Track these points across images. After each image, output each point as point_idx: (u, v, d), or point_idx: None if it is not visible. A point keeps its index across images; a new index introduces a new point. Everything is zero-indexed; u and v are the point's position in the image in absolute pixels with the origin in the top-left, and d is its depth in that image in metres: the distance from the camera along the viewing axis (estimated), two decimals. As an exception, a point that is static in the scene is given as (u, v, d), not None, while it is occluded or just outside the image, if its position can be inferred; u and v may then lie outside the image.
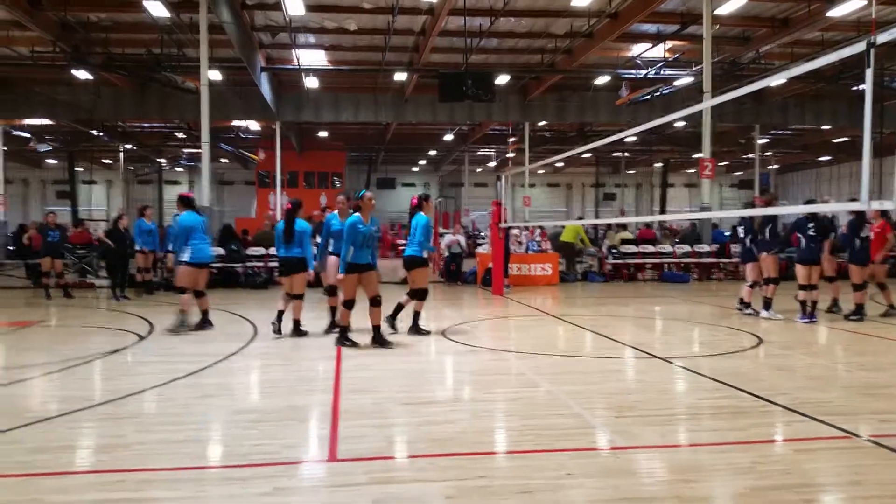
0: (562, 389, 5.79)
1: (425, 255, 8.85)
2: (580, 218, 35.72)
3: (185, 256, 8.91)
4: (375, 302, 7.85)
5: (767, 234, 10.35)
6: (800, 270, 9.99)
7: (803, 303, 9.91)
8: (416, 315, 8.81)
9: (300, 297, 8.74)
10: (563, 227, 19.57)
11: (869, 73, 5.23)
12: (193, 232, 8.92)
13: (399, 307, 8.90)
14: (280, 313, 8.70)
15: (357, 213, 7.74)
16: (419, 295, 8.79)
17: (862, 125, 5.13)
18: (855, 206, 5.65)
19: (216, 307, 12.01)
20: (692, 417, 5.06)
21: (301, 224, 8.73)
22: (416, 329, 8.70)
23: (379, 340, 7.86)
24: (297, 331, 8.72)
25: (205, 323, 9.21)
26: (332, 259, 8.54)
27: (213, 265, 16.07)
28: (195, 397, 5.61)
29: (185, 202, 9.24)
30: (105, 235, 13.99)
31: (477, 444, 4.37)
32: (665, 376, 6.49)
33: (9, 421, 4.79)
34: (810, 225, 9.93)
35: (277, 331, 8.63)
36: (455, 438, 4.46)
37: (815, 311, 10.00)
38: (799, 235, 10.05)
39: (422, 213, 8.91)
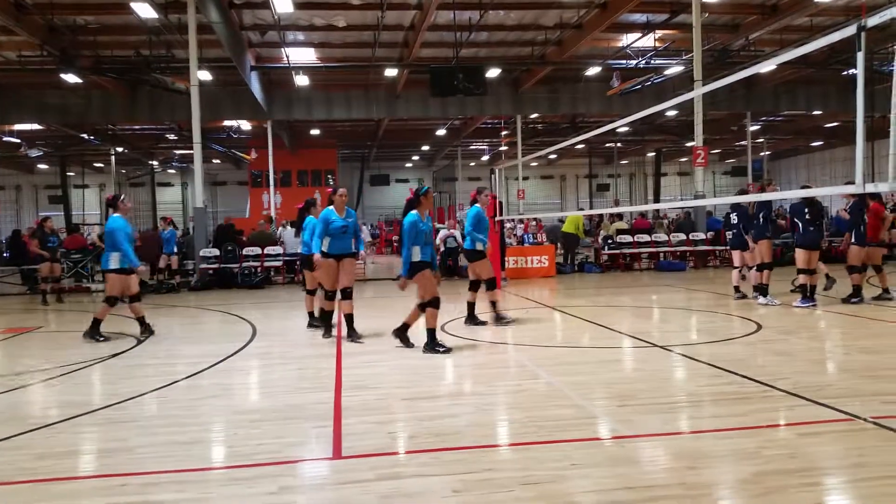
0: (562, 380, 5.80)
1: (478, 246, 8.93)
2: (580, 209, 35.73)
3: (116, 263, 8.46)
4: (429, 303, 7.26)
5: (761, 220, 10.40)
6: (800, 255, 9.99)
7: (803, 287, 9.93)
8: (472, 306, 9.01)
9: (311, 292, 9.02)
10: (563, 218, 19.56)
11: (860, 56, 5.24)
12: (122, 235, 8.45)
13: (471, 306, 9.03)
14: (310, 315, 9.12)
15: (415, 211, 7.26)
16: (489, 285, 8.92)
17: (853, 109, 5.14)
18: (850, 189, 5.66)
19: (215, 308, 12.02)
20: (694, 404, 5.08)
21: (308, 220, 8.91)
22: (472, 320, 8.95)
23: (434, 345, 7.19)
24: (312, 323, 8.98)
25: (147, 328, 8.77)
26: (328, 262, 7.92)
27: (211, 266, 16.18)
28: (196, 399, 5.61)
29: (111, 205, 8.74)
30: (98, 239, 13.95)
31: (481, 437, 4.38)
32: (665, 364, 6.51)
33: (12, 428, 4.78)
34: (806, 210, 9.96)
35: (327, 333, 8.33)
36: (459, 432, 4.46)
37: (815, 294, 10.01)
38: (796, 220, 10.09)
39: (476, 205, 9.21)
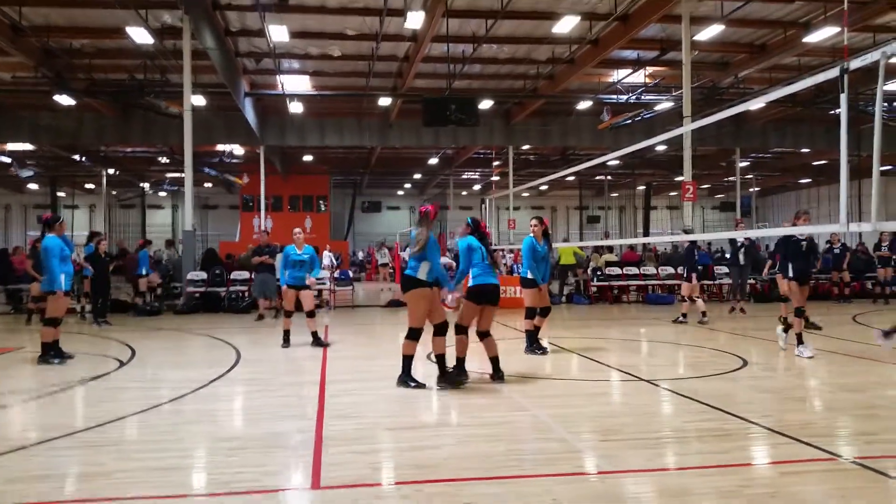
0: (548, 413, 5.77)
1: (529, 275, 9.05)
2: (565, 240, 35.81)
3: (60, 284, 8.43)
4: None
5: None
6: None
7: None
8: (534, 332, 9.16)
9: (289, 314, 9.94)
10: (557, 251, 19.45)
11: (843, 97, 5.33)
12: (55, 255, 8.43)
13: (527, 333, 9.18)
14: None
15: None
16: (528, 314, 9.11)
17: (839, 148, 5.22)
18: (834, 228, 5.74)
19: (200, 331, 11.93)
20: (678, 441, 5.06)
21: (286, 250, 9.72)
22: (530, 348, 9.11)
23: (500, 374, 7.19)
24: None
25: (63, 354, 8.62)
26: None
27: (198, 289, 16.09)
28: (177, 424, 5.54)
29: (47, 224, 8.70)
30: (84, 260, 13.86)
31: (463, 469, 4.33)
32: (651, 399, 6.49)
33: (-15, 451, 4.70)
34: None
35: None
36: (441, 464, 4.42)
37: None
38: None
39: (529, 235, 9.30)
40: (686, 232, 17.12)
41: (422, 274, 6.71)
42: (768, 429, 5.18)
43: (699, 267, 18.23)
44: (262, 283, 14.08)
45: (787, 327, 9.22)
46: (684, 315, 12.83)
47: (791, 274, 8.91)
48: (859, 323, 11.67)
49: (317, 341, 9.78)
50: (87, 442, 5.01)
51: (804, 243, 9.10)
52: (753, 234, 9.59)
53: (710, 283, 18.16)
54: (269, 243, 14.51)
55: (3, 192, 40.96)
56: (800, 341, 8.73)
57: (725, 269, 18.64)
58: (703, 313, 12.61)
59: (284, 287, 9.99)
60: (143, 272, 15.51)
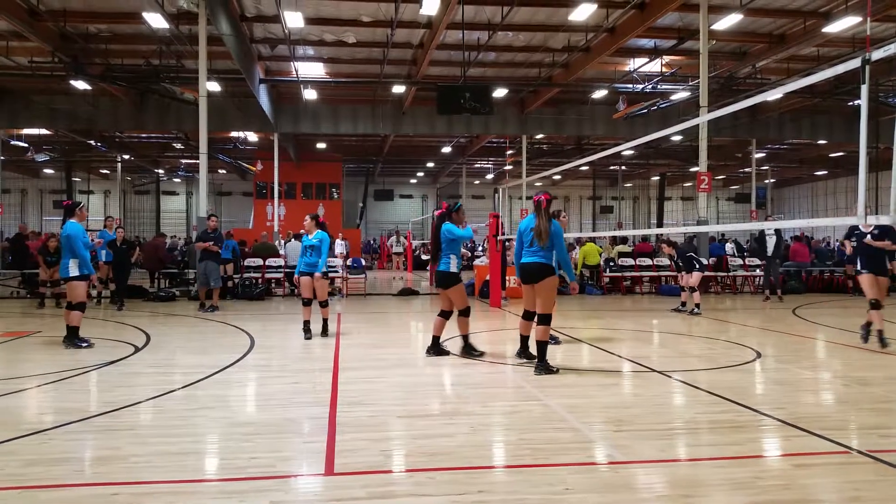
0: (559, 403, 5.77)
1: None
2: (591, 239, 35.47)
3: (76, 270, 8.54)
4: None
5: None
6: None
7: None
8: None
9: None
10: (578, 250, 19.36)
11: (864, 89, 5.26)
12: (81, 241, 8.54)
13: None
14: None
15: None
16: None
17: (858, 140, 5.16)
18: (852, 221, 5.68)
19: (214, 318, 12.00)
20: (690, 432, 5.05)
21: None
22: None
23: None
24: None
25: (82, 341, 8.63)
26: None
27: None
28: (191, 409, 5.59)
29: (68, 211, 8.78)
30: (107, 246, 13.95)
31: (475, 458, 4.35)
32: (663, 390, 6.48)
33: (4, 433, 4.76)
34: None
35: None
36: (453, 452, 4.43)
37: None
38: None
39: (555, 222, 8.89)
40: (701, 223, 17.06)
41: (554, 262, 7.13)
42: (781, 421, 5.16)
43: (713, 258, 18.30)
44: (203, 271, 13.14)
45: None
46: (683, 304, 13.13)
47: None
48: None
49: (325, 331, 9.67)
50: (103, 426, 5.07)
51: None
52: (765, 226, 9.47)
53: (725, 274, 18.07)
54: (215, 228, 13.46)
55: (19, 177, 41.27)
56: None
57: (739, 262, 18.61)
58: (697, 305, 12.69)
59: (297, 276, 9.71)
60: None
